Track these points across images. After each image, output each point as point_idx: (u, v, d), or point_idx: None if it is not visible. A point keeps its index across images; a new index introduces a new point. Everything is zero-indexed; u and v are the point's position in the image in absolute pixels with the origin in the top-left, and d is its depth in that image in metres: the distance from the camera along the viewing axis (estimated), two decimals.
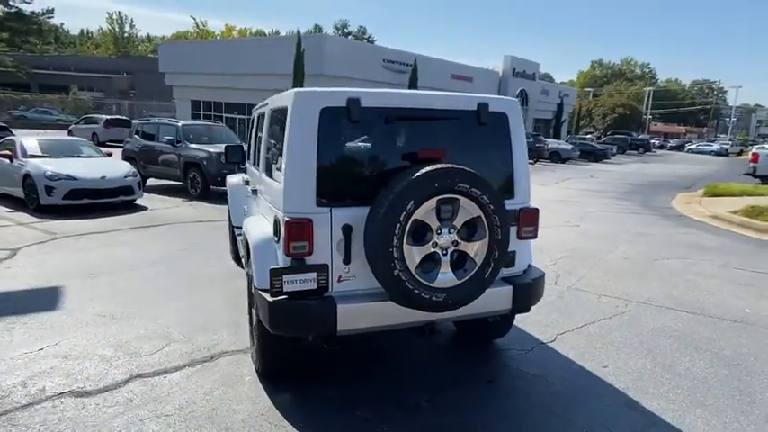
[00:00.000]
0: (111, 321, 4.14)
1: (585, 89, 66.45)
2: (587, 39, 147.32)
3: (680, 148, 54.70)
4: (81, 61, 54.46)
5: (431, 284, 2.74)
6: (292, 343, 3.06)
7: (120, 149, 12.59)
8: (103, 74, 48.98)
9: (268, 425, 2.83)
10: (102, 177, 8.74)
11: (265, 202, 3.48)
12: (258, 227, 3.31)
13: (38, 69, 43.77)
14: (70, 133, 22.01)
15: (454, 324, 4.00)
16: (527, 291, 3.21)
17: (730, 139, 59.61)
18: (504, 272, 3.14)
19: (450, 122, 3.12)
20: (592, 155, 29.93)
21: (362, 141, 2.99)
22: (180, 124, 11.41)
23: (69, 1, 78.59)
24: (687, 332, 4.31)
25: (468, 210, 2.77)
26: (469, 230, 2.82)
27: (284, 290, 2.70)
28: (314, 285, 2.75)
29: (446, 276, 2.79)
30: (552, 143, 28.68)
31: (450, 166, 2.73)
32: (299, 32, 24.23)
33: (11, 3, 35.19)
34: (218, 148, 10.26)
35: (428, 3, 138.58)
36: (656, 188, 16.51)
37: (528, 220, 3.24)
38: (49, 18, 39.00)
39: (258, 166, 3.97)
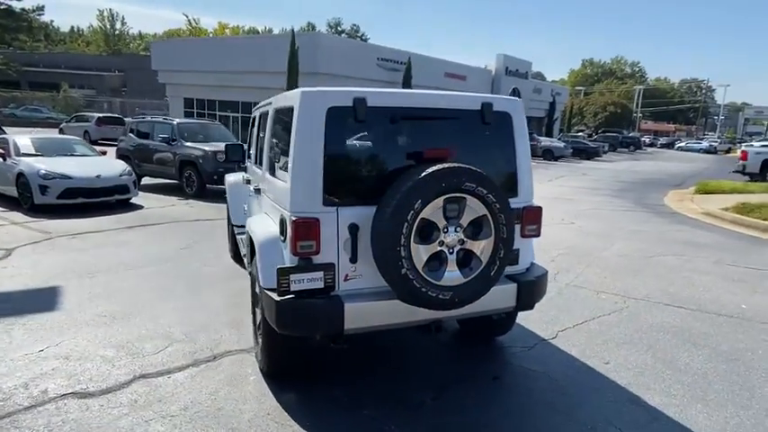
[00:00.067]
0: (111, 321, 4.11)
1: (577, 87, 66.89)
2: (578, 37, 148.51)
3: (670, 145, 55.17)
4: (72, 59, 53.85)
5: (437, 283, 2.75)
6: (298, 342, 3.06)
7: (113, 147, 12.48)
8: (95, 71, 48.58)
9: (275, 424, 2.83)
10: (98, 176, 8.66)
11: (269, 201, 3.47)
12: (263, 226, 3.30)
13: (28, 67, 43.14)
14: (61, 131, 21.81)
15: (458, 322, 4.02)
16: (531, 288, 3.25)
17: (719, 137, 60.11)
18: (509, 270, 3.16)
19: (454, 122, 3.14)
20: (584, 152, 30.22)
21: (368, 141, 2.99)
22: (175, 122, 11.35)
23: None
24: (685, 328, 4.37)
25: (474, 208, 2.78)
26: (475, 229, 2.84)
27: (291, 289, 2.70)
28: (321, 284, 2.75)
29: (453, 275, 2.80)
30: (545, 141, 28.78)
31: (456, 165, 2.74)
32: (292, 30, 24.16)
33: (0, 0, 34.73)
34: (214, 146, 10.27)
35: (421, 0, 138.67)
36: (648, 185, 16.66)
37: (531, 218, 3.27)
38: (40, 15, 38.37)
39: (261, 164, 3.96)
